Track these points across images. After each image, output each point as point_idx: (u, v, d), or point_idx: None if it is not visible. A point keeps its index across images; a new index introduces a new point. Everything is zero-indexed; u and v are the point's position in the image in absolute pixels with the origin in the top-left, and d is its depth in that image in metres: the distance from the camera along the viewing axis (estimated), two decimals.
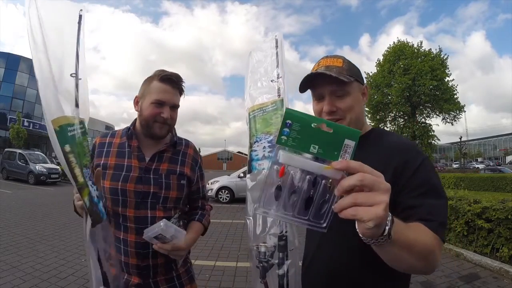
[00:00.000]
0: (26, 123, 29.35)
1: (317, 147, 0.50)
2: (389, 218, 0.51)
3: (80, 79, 0.97)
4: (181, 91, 1.18)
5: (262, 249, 1.07)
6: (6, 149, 16.88)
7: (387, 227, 0.50)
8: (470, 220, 4.18)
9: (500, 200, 4.18)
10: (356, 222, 0.49)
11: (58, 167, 15.45)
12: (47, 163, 15.25)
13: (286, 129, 0.50)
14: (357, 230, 0.50)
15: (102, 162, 1.14)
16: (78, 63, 0.97)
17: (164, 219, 1.01)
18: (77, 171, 0.87)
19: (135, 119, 1.20)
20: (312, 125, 0.50)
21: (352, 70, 0.88)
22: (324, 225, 0.54)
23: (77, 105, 0.96)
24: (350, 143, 0.50)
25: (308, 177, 0.53)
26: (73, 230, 5.40)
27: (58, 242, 4.60)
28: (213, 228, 5.92)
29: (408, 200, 0.73)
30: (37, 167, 13.95)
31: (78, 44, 0.98)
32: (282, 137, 0.50)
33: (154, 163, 1.14)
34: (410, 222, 0.65)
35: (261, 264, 1.06)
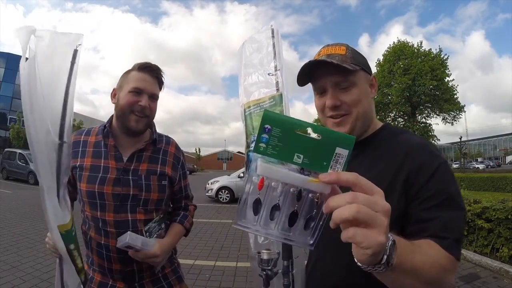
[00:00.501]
0: None
1: (302, 156, 0.43)
2: (390, 243, 0.44)
3: (65, 142, 0.83)
4: (160, 82, 1.12)
5: (265, 257, 1.00)
6: (6, 149, 16.89)
7: (385, 255, 0.43)
8: (470, 220, 4.17)
9: (500, 200, 4.17)
10: (352, 244, 0.42)
11: None
12: None
13: (265, 135, 0.43)
14: (353, 254, 0.43)
15: (78, 163, 1.07)
16: (65, 123, 0.80)
17: (129, 232, 0.97)
18: (78, 261, 0.93)
19: (111, 116, 1.12)
20: (296, 131, 0.43)
21: (357, 59, 0.78)
22: (311, 242, 0.47)
23: (58, 194, 0.83)
24: (342, 152, 0.42)
25: (292, 190, 0.45)
26: None
27: None
28: (213, 228, 5.92)
29: (420, 212, 0.65)
30: None
31: (67, 93, 0.80)
32: (261, 144, 0.43)
33: (132, 163, 1.07)
34: (421, 237, 0.61)
35: (264, 272, 0.99)
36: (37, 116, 0.76)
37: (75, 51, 0.79)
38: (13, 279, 3.16)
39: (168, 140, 1.20)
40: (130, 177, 1.05)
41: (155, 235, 1.08)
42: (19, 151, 15.42)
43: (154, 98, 1.09)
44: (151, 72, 1.08)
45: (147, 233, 1.05)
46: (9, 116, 30.42)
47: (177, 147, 1.22)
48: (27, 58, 0.75)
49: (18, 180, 14.14)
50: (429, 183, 0.66)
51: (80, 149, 1.09)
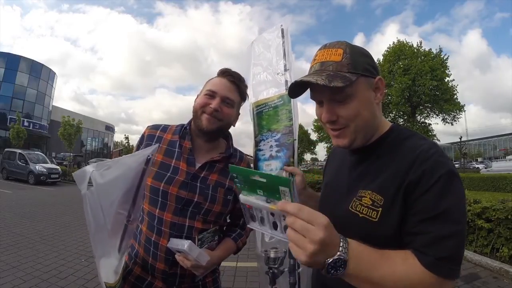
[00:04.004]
0: (26, 123, 29.31)
1: (261, 191, 0.62)
2: (331, 260, 0.53)
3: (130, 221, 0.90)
4: (240, 91, 1.11)
5: (272, 255, 1.01)
6: (6, 149, 16.87)
7: (326, 264, 0.53)
8: (470, 220, 4.17)
9: (500, 200, 4.17)
10: None
11: (58, 167, 15.45)
12: (47, 163, 15.26)
13: (237, 180, 0.66)
14: None
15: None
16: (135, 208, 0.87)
17: (189, 241, 0.95)
18: None
19: (192, 119, 1.13)
20: (250, 176, 0.62)
21: (357, 63, 0.70)
22: None
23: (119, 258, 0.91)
24: (284, 189, 0.57)
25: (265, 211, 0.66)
26: (73, 230, 5.40)
27: (58, 242, 4.60)
28: None
29: (410, 224, 0.62)
30: (37, 167, 13.94)
31: (138, 187, 0.86)
32: (237, 184, 0.67)
33: (203, 171, 1.06)
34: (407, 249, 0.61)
35: (270, 271, 1.00)
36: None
37: (148, 159, 0.86)
38: (13, 279, 3.16)
39: (242, 157, 1.19)
40: (198, 184, 1.04)
41: (206, 245, 1.06)
42: (19, 151, 15.43)
43: (228, 103, 1.07)
44: (228, 77, 1.08)
45: (199, 242, 1.03)
46: (9, 116, 30.31)
47: (248, 164, 1.21)
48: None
49: (18, 180, 14.15)
50: (426, 195, 0.61)
51: (154, 143, 1.09)
